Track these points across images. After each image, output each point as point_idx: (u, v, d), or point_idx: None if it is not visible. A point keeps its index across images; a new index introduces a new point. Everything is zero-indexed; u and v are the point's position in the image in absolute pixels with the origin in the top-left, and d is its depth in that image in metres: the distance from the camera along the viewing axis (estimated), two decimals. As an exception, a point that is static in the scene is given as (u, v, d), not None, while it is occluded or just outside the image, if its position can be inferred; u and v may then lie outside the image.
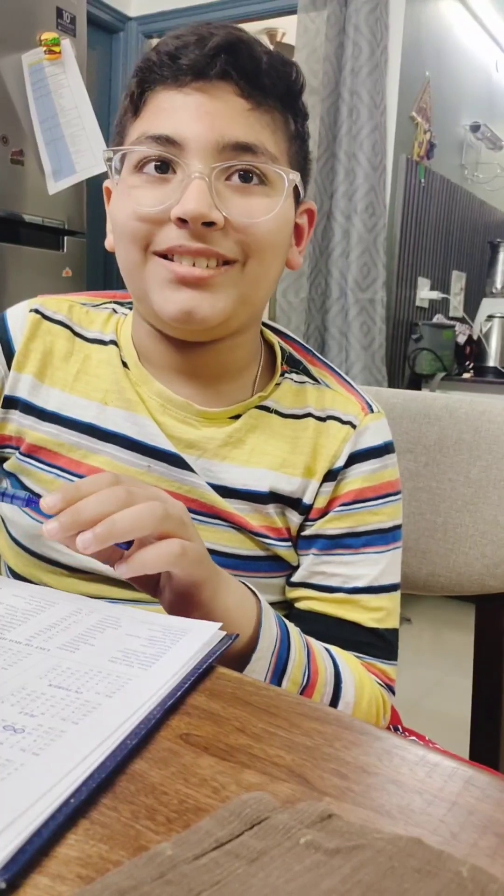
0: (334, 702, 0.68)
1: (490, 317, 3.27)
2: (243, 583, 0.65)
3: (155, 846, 0.31)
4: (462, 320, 3.51)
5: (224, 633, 0.54)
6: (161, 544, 0.55)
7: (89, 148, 2.40)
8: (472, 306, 3.64)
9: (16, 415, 0.76)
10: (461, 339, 3.25)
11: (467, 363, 3.30)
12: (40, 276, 2.40)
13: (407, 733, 0.89)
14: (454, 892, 0.28)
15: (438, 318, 3.32)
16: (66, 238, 2.53)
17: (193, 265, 0.66)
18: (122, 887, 0.28)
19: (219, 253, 0.66)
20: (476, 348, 3.29)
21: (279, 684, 0.62)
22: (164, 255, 0.67)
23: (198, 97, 0.66)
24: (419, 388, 3.07)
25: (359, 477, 0.76)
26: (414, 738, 0.86)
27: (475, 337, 3.30)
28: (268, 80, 0.68)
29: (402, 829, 0.34)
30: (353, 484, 0.75)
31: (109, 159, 0.70)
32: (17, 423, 0.76)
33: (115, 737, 0.38)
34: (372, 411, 0.78)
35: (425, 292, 3.28)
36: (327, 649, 0.71)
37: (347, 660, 0.71)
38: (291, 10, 2.95)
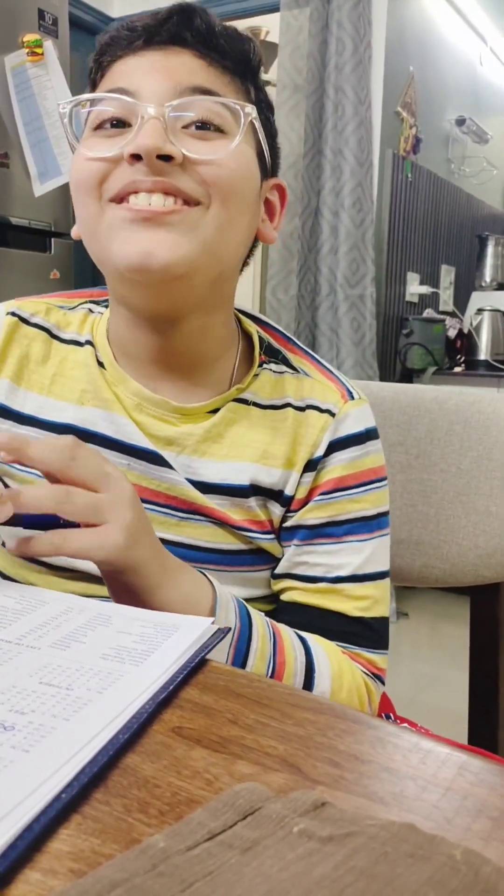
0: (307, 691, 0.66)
1: (480, 310, 3.28)
2: (203, 573, 0.64)
3: (147, 839, 0.31)
4: (452, 314, 3.51)
5: (217, 627, 0.53)
6: (45, 534, 0.55)
7: (75, 149, 2.39)
8: (461, 300, 3.65)
9: None
10: (452, 333, 3.25)
11: (458, 357, 3.30)
12: (28, 278, 2.40)
13: (399, 721, 0.88)
14: (447, 876, 0.28)
15: (428, 313, 3.33)
16: (53, 240, 2.53)
17: (149, 205, 0.63)
18: (115, 880, 0.28)
19: (178, 188, 0.63)
20: (467, 342, 3.29)
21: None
22: (119, 203, 0.65)
23: (153, 55, 0.66)
24: (410, 383, 3.08)
25: (339, 465, 0.74)
26: (406, 724, 0.85)
27: (465, 331, 3.31)
28: (223, 42, 0.68)
29: (395, 815, 0.34)
30: (332, 472, 0.74)
31: (63, 114, 0.68)
32: None
33: (106, 732, 0.38)
34: (353, 398, 0.77)
35: (415, 287, 3.28)
36: (303, 639, 0.69)
37: (327, 649, 0.70)
38: (274, 8, 2.95)
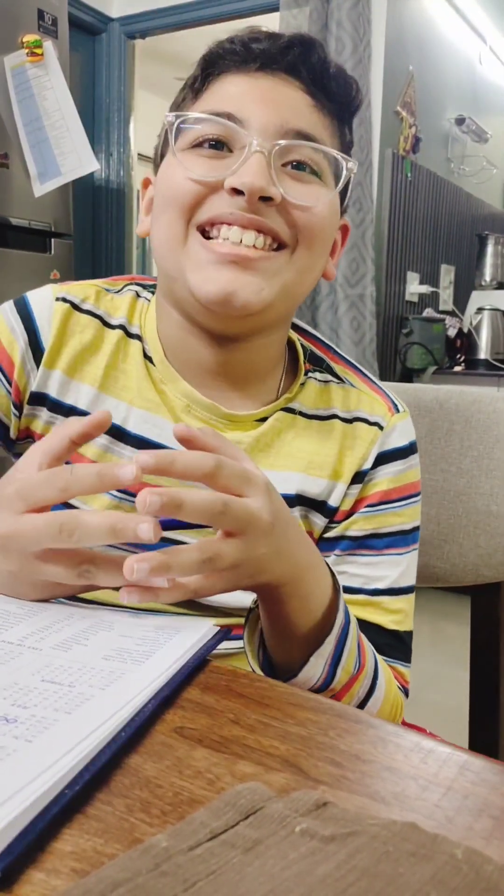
0: (368, 696, 0.66)
1: (480, 309, 3.28)
2: (330, 568, 0.62)
3: (149, 838, 0.31)
4: (452, 314, 3.51)
5: (217, 628, 0.54)
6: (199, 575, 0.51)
7: (74, 149, 2.39)
8: (461, 299, 3.65)
9: (44, 412, 0.73)
10: (451, 333, 3.25)
11: (458, 356, 3.30)
12: (28, 278, 2.40)
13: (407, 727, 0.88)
14: (449, 875, 0.28)
15: (428, 312, 3.33)
16: (53, 240, 2.53)
17: (240, 242, 0.64)
18: (117, 879, 0.28)
19: (272, 229, 0.64)
20: (467, 341, 3.30)
21: (335, 672, 0.60)
22: (206, 234, 0.65)
23: (265, 82, 0.66)
24: (411, 383, 3.08)
25: (385, 478, 0.74)
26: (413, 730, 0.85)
27: (465, 330, 3.31)
28: (333, 84, 0.68)
29: (397, 814, 0.34)
30: (379, 485, 0.74)
31: (171, 123, 0.67)
32: (45, 420, 0.73)
33: (110, 725, 0.38)
34: (398, 411, 0.77)
35: (415, 286, 3.28)
36: (370, 644, 0.69)
37: (380, 660, 0.70)
38: (273, 8, 2.95)
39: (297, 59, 0.66)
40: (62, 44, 2.46)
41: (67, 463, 0.54)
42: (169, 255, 0.67)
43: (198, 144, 0.66)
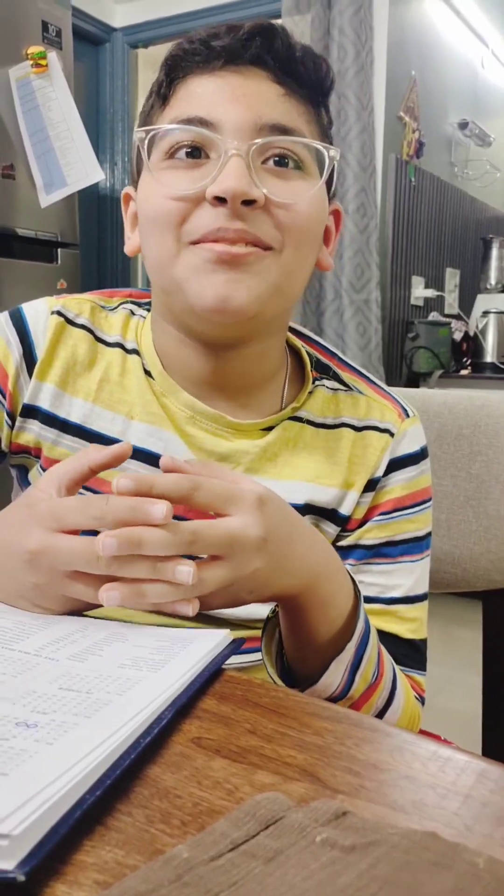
0: (387, 706, 0.66)
1: (485, 312, 3.28)
2: (350, 575, 0.62)
3: (171, 849, 0.31)
4: (458, 317, 3.51)
5: (232, 637, 0.54)
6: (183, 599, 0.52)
7: (79, 160, 2.40)
8: (467, 303, 3.65)
9: (35, 425, 0.73)
10: (457, 336, 3.25)
11: (465, 360, 3.30)
12: (35, 289, 2.41)
13: (422, 735, 0.88)
14: (470, 884, 0.28)
15: (434, 316, 3.33)
16: (59, 250, 2.54)
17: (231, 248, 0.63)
18: (140, 891, 0.28)
19: (257, 237, 0.63)
20: (473, 345, 3.29)
21: (353, 679, 0.60)
22: (197, 243, 0.64)
23: (232, 79, 0.64)
24: (417, 387, 3.08)
25: (398, 485, 0.74)
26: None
27: (471, 333, 3.31)
28: (302, 68, 0.66)
29: (416, 823, 0.34)
30: (393, 493, 0.74)
31: (142, 139, 0.66)
32: (37, 434, 0.73)
33: (130, 727, 0.38)
34: (408, 416, 0.77)
35: (420, 290, 3.29)
36: (388, 654, 0.69)
37: (398, 670, 0.70)
38: (275, 15, 2.96)
39: (260, 49, 0.65)
40: (66, 54, 2.48)
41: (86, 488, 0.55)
42: (162, 271, 0.67)
43: (172, 155, 0.65)
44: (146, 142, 0.66)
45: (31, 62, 2.33)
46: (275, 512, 0.54)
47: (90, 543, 0.50)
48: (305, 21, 2.77)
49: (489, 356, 3.23)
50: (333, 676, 0.58)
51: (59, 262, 2.54)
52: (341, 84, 2.72)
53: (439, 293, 3.42)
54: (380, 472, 0.74)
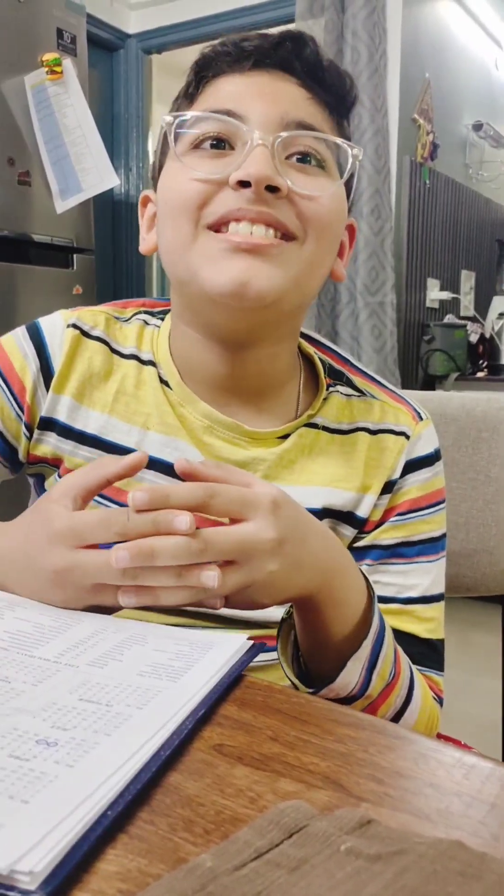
0: (405, 706, 0.65)
1: (501, 314, 3.26)
2: (362, 573, 0.62)
3: (194, 858, 0.31)
4: (473, 319, 3.50)
5: (251, 643, 0.53)
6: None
7: (94, 165, 2.42)
8: (482, 305, 3.63)
9: (52, 437, 0.74)
10: (473, 339, 3.24)
11: (481, 362, 3.28)
12: (51, 294, 2.42)
13: (442, 740, 0.88)
14: (499, 895, 0.28)
15: (450, 319, 3.31)
16: (75, 256, 2.55)
17: (251, 234, 0.63)
18: (164, 901, 0.28)
19: (280, 221, 0.63)
20: (489, 347, 3.28)
21: (370, 678, 0.60)
22: (217, 231, 0.64)
23: (260, 79, 0.66)
24: (433, 390, 3.06)
25: (414, 486, 0.75)
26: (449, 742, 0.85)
27: (487, 335, 3.29)
28: (327, 77, 0.68)
29: (441, 832, 0.34)
30: (409, 494, 0.74)
31: (169, 124, 0.67)
32: (54, 446, 0.74)
33: (149, 747, 0.38)
34: (421, 419, 0.77)
35: (435, 293, 3.27)
36: (405, 654, 0.68)
37: (415, 670, 0.69)
38: (289, 19, 2.96)
39: (289, 53, 0.66)
40: (81, 61, 2.49)
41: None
42: (178, 258, 0.67)
43: (198, 145, 0.66)
44: (174, 128, 0.66)
45: (47, 69, 2.34)
46: (289, 514, 0.55)
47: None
48: (319, 25, 2.77)
49: (505, 358, 3.22)
50: (351, 675, 0.58)
51: (75, 267, 2.55)
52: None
53: (455, 295, 3.41)
54: (396, 475, 0.75)
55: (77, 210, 2.49)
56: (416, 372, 3.15)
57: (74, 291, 2.51)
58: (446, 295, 3.31)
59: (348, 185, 0.70)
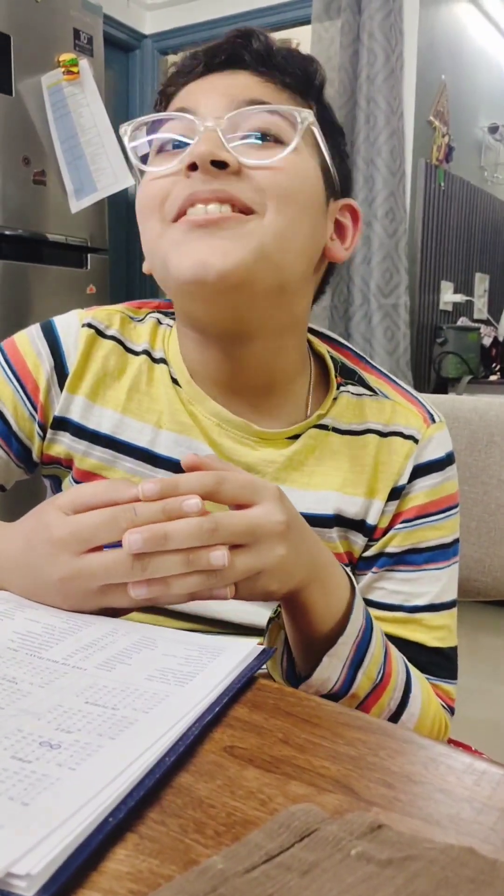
0: (401, 709, 0.65)
1: (515, 318, 3.25)
2: (344, 568, 0.62)
3: (205, 860, 0.31)
4: (487, 322, 3.48)
5: (261, 648, 0.53)
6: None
7: (110, 166, 2.42)
8: (496, 308, 3.62)
9: (66, 437, 0.73)
10: (486, 342, 3.23)
11: (494, 365, 3.27)
12: (64, 294, 2.43)
13: (452, 745, 0.87)
14: (510, 902, 0.28)
15: (463, 321, 3.30)
16: (89, 256, 2.56)
17: (206, 212, 0.62)
18: (175, 902, 0.28)
19: (233, 195, 0.62)
20: (502, 350, 3.26)
21: (354, 676, 0.60)
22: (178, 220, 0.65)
23: (211, 77, 0.68)
24: (446, 392, 3.06)
25: (422, 492, 0.73)
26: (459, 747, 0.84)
27: (501, 339, 3.28)
28: (279, 58, 0.68)
29: (452, 838, 0.34)
30: (416, 500, 0.73)
31: (133, 149, 0.70)
32: (68, 446, 0.73)
33: (153, 752, 0.38)
34: (434, 421, 0.75)
35: (449, 295, 3.27)
36: (402, 658, 0.68)
37: (418, 677, 0.69)
38: (305, 21, 2.96)
39: (239, 49, 0.67)
40: (97, 61, 2.50)
41: None
42: (153, 257, 0.68)
43: (160, 150, 0.68)
44: (129, 137, 0.69)
45: (63, 69, 2.35)
46: (290, 504, 0.56)
47: (123, 555, 0.51)
48: (335, 27, 2.77)
49: (519, 362, 3.20)
50: (329, 671, 0.58)
51: (89, 267, 2.56)
52: (371, 89, 2.72)
53: (468, 298, 3.40)
54: (403, 480, 0.73)
55: (91, 210, 2.49)
56: (428, 374, 3.14)
57: (88, 291, 2.52)
58: (460, 298, 3.30)
59: (328, 161, 0.69)
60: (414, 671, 0.69)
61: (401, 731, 0.44)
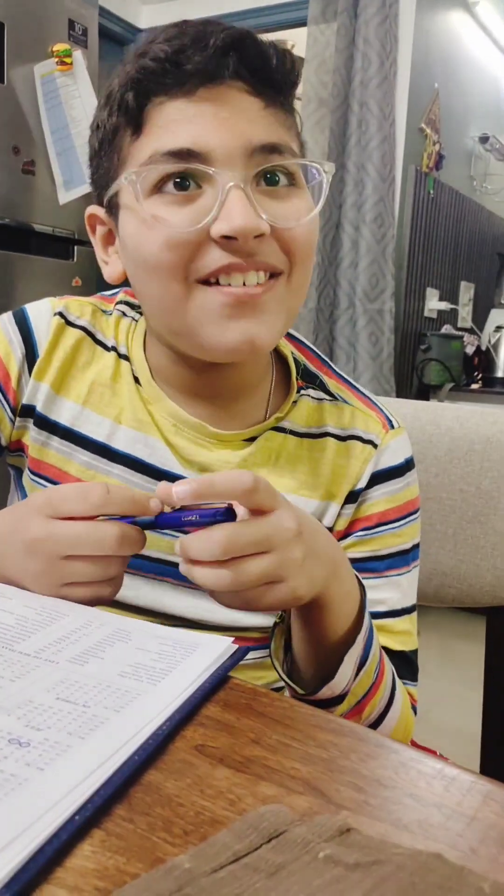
0: (388, 707, 0.65)
1: (499, 328, 3.27)
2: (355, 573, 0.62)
3: (172, 859, 0.31)
4: (471, 331, 3.50)
5: (236, 646, 0.53)
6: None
7: (100, 158, 2.40)
8: (480, 317, 3.64)
9: (31, 426, 0.74)
10: (469, 350, 3.24)
11: (476, 374, 3.29)
12: (50, 285, 2.41)
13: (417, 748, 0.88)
14: (476, 909, 0.28)
15: (447, 329, 3.32)
16: (76, 248, 2.54)
17: (244, 284, 0.61)
18: (140, 900, 0.28)
19: (268, 264, 0.62)
20: (484, 359, 3.28)
21: (357, 674, 0.60)
22: (207, 281, 0.62)
23: (211, 105, 0.60)
24: (427, 399, 3.07)
25: (382, 499, 0.73)
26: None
27: (483, 348, 3.30)
28: (278, 76, 0.63)
29: (420, 843, 0.34)
30: (376, 506, 0.73)
31: (133, 182, 0.61)
32: (34, 438, 0.74)
33: (122, 753, 0.38)
34: (392, 427, 0.76)
35: (434, 303, 3.28)
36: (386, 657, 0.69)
37: (396, 677, 0.69)
38: (301, 23, 2.96)
39: (236, 64, 0.60)
40: (91, 53, 2.48)
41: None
42: (173, 316, 0.64)
43: (160, 185, 0.61)
44: (140, 182, 0.61)
45: (56, 60, 2.33)
46: (295, 506, 0.56)
47: (94, 527, 0.52)
48: (331, 30, 2.78)
49: (501, 371, 3.23)
50: (348, 669, 0.58)
51: (76, 259, 2.54)
52: (364, 94, 2.73)
53: (453, 306, 3.42)
54: (361, 484, 0.73)
55: (80, 202, 2.47)
56: (411, 380, 3.16)
57: (74, 283, 2.51)
58: (445, 305, 3.32)
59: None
60: (395, 673, 0.70)
61: (373, 734, 0.44)
